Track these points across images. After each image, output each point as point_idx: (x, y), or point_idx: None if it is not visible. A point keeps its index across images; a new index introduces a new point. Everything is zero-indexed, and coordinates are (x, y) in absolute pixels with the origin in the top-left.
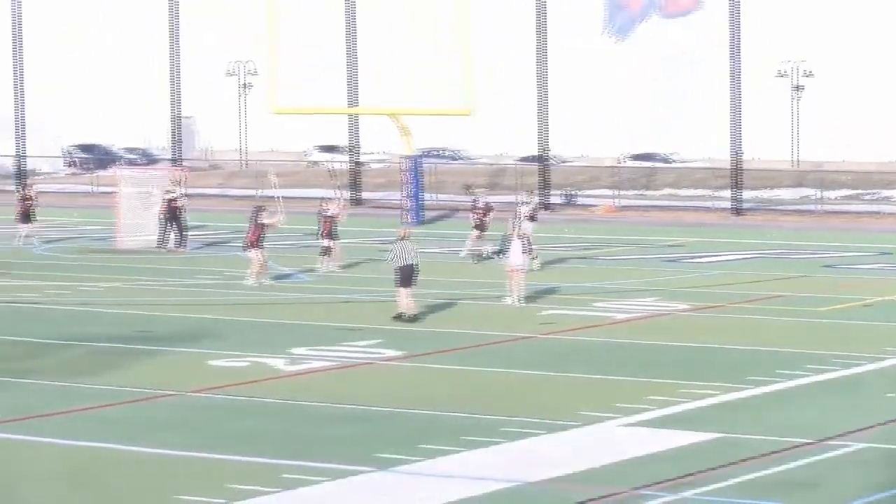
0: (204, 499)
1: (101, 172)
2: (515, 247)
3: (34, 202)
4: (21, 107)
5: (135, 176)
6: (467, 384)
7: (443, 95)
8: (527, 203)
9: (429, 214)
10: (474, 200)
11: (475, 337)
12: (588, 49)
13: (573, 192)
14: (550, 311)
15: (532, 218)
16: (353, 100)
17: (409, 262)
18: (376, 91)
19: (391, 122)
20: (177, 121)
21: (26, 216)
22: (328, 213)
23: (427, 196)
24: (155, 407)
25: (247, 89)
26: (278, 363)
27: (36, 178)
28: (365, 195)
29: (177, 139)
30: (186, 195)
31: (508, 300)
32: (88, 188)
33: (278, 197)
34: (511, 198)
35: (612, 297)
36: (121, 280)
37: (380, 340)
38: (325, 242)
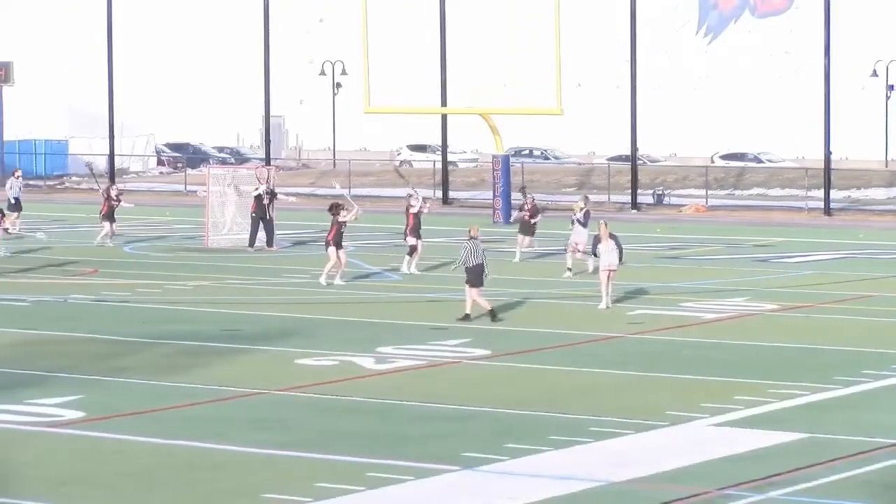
0: (291, 497)
1: (192, 171)
2: (605, 247)
3: (117, 202)
4: (113, 106)
5: (224, 174)
6: (555, 383)
7: (533, 95)
8: (582, 208)
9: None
10: (522, 204)
11: (563, 336)
12: (680, 48)
13: (663, 192)
14: (639, 311)
15: (583, 223)
16: (443, 99)
17: (479, 261)
18: (467, 91)
19: (481, 121)
20: (267, 120)
21: (110, 215)
22: (412, 211)
23: (516, 196)
24: (243, 406)
25: (337, 89)
26: (366, 362)
27: (126, 176)
28: (454, 194)
29: (267, 138)
30: (275, 194)
31: (602, 305)
32: (179, 187)
33: (346, 195)
34: (603, 197)
35: (702, 297)
36: (209, 279)
37: (468, 339)
38: (411, 241)
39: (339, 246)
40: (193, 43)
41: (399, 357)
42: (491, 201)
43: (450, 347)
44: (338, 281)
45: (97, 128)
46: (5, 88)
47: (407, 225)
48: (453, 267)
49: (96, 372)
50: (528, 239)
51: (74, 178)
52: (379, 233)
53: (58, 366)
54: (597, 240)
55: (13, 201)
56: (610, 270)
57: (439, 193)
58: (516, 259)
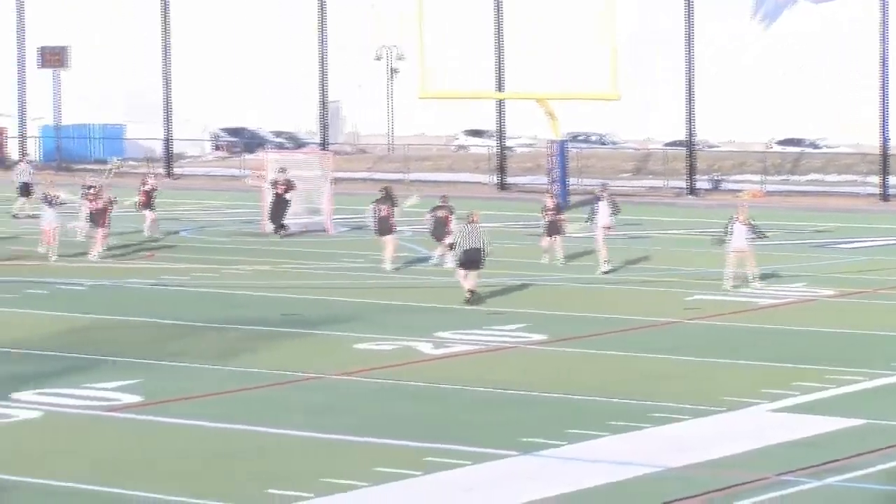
0: (349, 481)
1: (249, 156)
2: (738, 230)
3: (155, 189)
4: (169, 90)
5: (282, 159)
6: (613, 369)
7: (590, 80)
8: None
9: (574, 199)
10: (545, 204)
11: (620, 322)
12: (736, 33)
13: (720, 177)
14: (696, 297)
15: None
16: (499, 84)
17: (476, 245)
18: (523, 75)
19: (538, 106)
20: (324, 105)
21: (148, 204)
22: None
23: (572, 180)
24: (301, 390)
25: (394, 74)
26: (424, 347)
27: (182, 161)
28: (511, 179)
29: (324, 123)
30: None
31: (727, 283)
32: (236, 171)
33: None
34: (659, 182)
35: (759, 283)
36: (267, 263)
37: (525, 324)
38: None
39: (388, 232)
40: (251, 27)
41: (457, 342)
42: (548, 186)
43: (507, 332)
44: (388, 266)
45: (153, 112)
46: (62, 73)
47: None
48: (453, 251)
49: (154, 356)
50: (557, 238)
51: (131, 163)
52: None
53: (115, 350)
54: (595, 201)
55: (20, 185)
56: (605, 228)
57: (495, 178)
58: (545, 261)
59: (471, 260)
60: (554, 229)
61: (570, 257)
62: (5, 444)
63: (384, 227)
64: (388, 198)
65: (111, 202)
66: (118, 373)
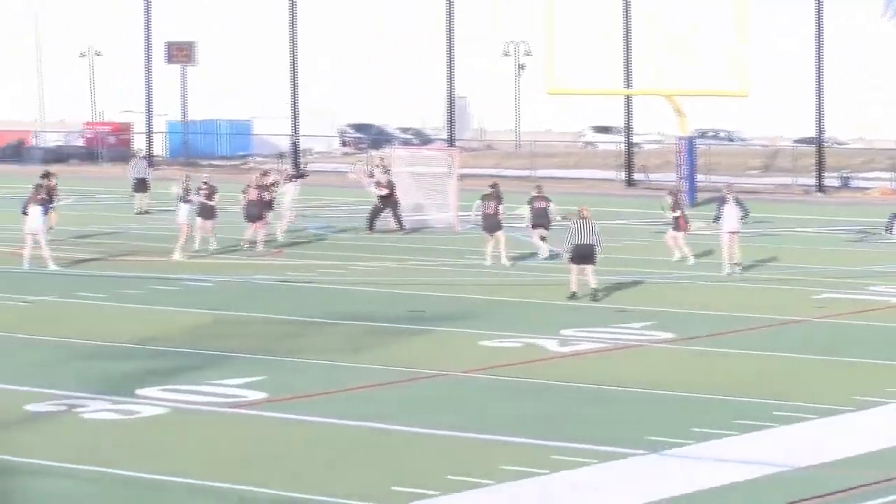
0: (474, 479)
1: (375, 152)
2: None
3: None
4: (296, 87)
5: (409, 156)
6: (740, 367)
7: (719, 76)
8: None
9: (701, 196)
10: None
11: (747, 320)
12: (866, 31)
13: (849, 175)
14: (825, 295)
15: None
16: (627, 80)
17: (588, 241)
18: (652, 71)
19: (666, 103)
20: (451, 101)
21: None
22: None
23: (700, 178)
24: (426, 387)
25: (522, 70)
26: (550, 344)
27: (311, 157)
28: (639, 176)
29: (451, 119)
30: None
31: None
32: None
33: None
34: (788, 180)
35: (889, 281)
36: (393, 259)
37: (652, 322)
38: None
39: (496, 228)
40: (377, 23)
41: (583, 339)
42: (675, 183)
43: (633, 330)
44: (488, 261)
45: (280, 108)
46: (189, 69)
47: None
48: (563, 250)
49: (279, 353)
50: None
51: (258, 159)
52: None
53: (240, 346)
54: (721, 202)
55: (135, 181)
56: (731, 233)
57: (623, 175)
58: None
59: (581, 255)
60: (677, 226)
61: (695, 255)
62: (131, 440)
63: (492, 223)
64: (495, 195)
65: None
66: (243, 369)
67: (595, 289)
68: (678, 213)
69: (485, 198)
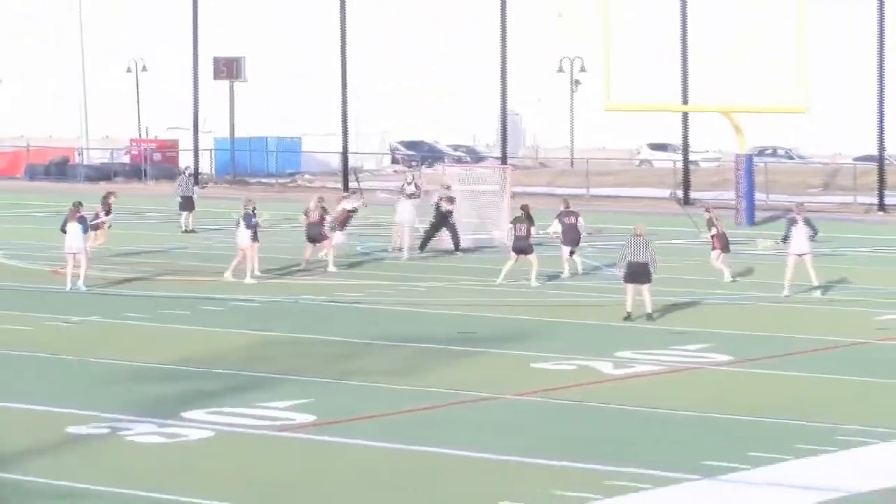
0: (527, 502)
1: (427, 170)
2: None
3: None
4: (346, 103)
5: (461, 173)
6: (799, 390)
7: (778, 92)
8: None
9: (760, 215)
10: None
11: (807, 342)
12: None
13: None
14: (887, 317)
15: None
16: (684, 97)
17: (642, 259)
18: (709, 87)
19: (724, 119)
20: (504, 118)
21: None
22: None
23: (759, 196)
24: (477, 410)
25: (576, 86)
26: (604, 366)
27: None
28: (695, 194)
29: (504, 136)
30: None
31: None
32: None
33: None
34: (849, 198)
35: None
36: (443, 279)
37: (708, 344)
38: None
39: (528, 251)
40: (429, 38)
41: (638, 362)
42: (734, 201)
43: (690, 352)
44: (533, 283)
45: (331, 125)
46: (237, 85)
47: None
48: (617, 266)
49: (327, 374)
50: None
51: (307, 176)
52: (618, 233)
53: (288, 368)
54: (791, 222)
55: (181, 199)
56: (797, 255)
57: (680, 194)
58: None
59: (634, 273)
60: (713, 245)
61: (745, 274)
62: (177, 463)
63: (523, 245)
64: (526, 217)
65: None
66: (291, 391)
67: (650, 312)
68: (713, 232)
69: (516, 220)
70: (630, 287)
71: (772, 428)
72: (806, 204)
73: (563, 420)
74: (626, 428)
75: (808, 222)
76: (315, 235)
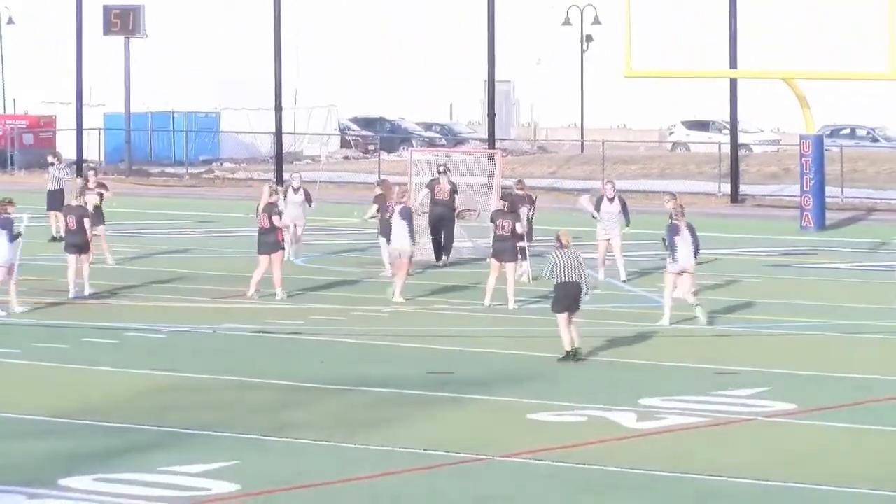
0: None
1: (388, 156)
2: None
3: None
4: (280, 67)
5: (434, 160)
6: (887, 450)
7: (855, 54)
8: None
9: (833, 217)
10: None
11: (891, 385)
12: None
13: None
14: None
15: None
16: (732, 59)
17: (574, 278)
18: (764, 48)
19: (784, 89)
20: (492, 87)
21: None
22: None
23: (833, 191)
24: (457, 477)
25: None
26: (624, 418)
27: (298, 162)
28: (746, 189)
29: (491, 112)
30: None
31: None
32: (371, 177)
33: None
34: None
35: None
36: (411, 302)
37: (766, 388)
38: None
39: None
40: None
41: (669, 412)
42: (798, 199)
43: (741, 399)
44: (511, 305)
45: (256, 98)
46: (134, 42)
47: None
48: (544, 276)
49: (257, 429)
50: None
51: (227, 165)
52: (645, 241)
53: (203, 421)
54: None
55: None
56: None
57: (726, 187)
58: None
59: (568, 296)
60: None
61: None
62: None
63: (503, 249)
64: (510, 210)
65: None
66: (207, 452)
67: (576, 348)
68: None
69: (496, 215)
70: (563, 318)
71: (852, 499)
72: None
73: (572, 490)
74: (659, 501)
75: (691, 230)
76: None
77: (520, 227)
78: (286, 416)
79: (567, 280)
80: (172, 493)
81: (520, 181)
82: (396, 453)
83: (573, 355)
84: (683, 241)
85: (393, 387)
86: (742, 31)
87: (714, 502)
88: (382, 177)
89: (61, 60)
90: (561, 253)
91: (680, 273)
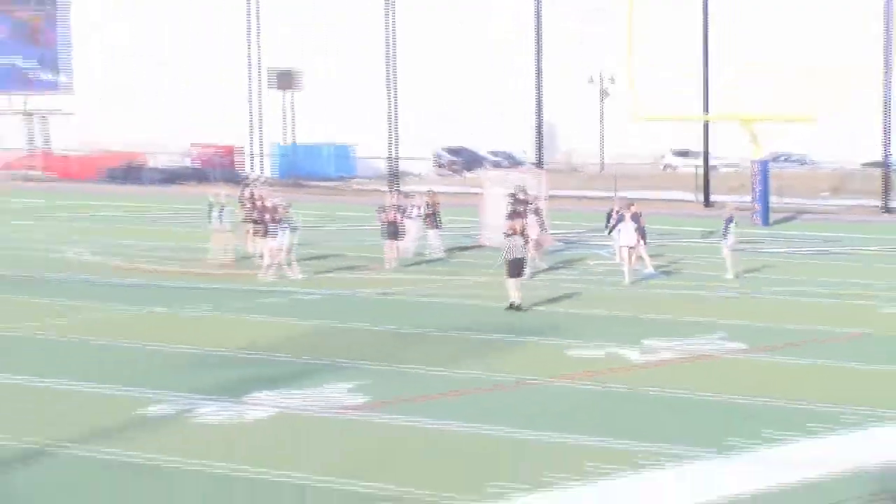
0: (563, 475)
1: (468, 174)
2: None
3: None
4: (395, 111)
5: (499, 177)
6: (808, 375)
7: (790, 101)
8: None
9: (775, 217)
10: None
11: (816, 332)
12: None
13: None
14: (887, 311)
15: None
16: (706, 106)
17: (518, 255)
18: (729, 97)
19: (742, 127)
20: (540, 126)
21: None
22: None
23: (774, 199)
24: (518, 393)
25: (605, 96)
26: (631, 354)
27: (407, 179)
28: (715, 198)
29: (540, 143)
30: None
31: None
32: (457, 189)
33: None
34: (856, 201)
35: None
36: (486, 274)
37: (725, 333)
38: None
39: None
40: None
41: (662, 349)
42: (751, 203)
43: (709, 341)
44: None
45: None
46: (293, 94)
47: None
48: (498, 263)
49: (381, 361)
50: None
51: (359, 180)
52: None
53: (345, 355)
54: (619, 218)
55: None
56: (628, 248)
57: (701, 196)
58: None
59: (514, 268)
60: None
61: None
62: (240, 442)
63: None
64: (515, 213)
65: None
66: (348, 376)
67: (515, 304)
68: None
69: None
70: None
71: (782, 409)
72: (818, 206)
73: (595, 402)
74: (652, 409)
75: (635, 218)
76: (391, 233)
77: (533, 233)
78: (402, 353)
79: (513, 257)
80: (323, 403)
81: (522, 188)
82: (478, 377)
83: (515, 307)
84: (626, 227)
85: (477, 332)
86: (713, 82)
87: (687, 411)
88: (477, 190)
89: (236, 108)
90: (510, 239)
91: (627, 247)
